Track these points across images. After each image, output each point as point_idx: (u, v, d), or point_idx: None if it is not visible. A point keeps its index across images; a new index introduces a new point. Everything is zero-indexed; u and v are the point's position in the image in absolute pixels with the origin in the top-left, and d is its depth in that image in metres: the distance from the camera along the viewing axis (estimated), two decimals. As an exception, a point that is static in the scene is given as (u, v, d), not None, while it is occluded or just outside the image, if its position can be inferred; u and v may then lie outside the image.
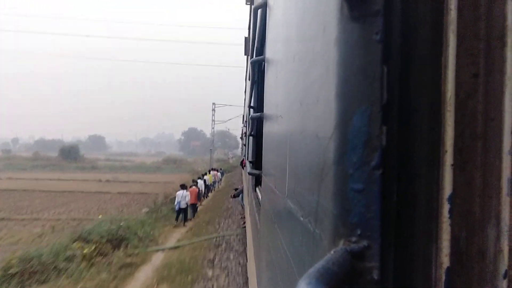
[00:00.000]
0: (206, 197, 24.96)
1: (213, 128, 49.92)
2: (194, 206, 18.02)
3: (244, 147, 12.52)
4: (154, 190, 28.45)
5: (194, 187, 18.63)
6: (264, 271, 1.77)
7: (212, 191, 29.78)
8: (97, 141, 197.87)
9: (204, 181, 24.24)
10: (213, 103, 48.23)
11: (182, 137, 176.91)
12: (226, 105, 47.79)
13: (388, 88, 0.49)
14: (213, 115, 48.36)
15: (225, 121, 47.60)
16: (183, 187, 17.28)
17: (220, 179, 35.31)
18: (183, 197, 16.39)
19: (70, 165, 68.65)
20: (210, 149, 51.26)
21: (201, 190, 21.95)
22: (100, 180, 42.08)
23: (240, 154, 50.34)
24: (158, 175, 52.28)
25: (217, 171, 34.49)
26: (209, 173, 30.19)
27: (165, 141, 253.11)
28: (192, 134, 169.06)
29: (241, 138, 20.99)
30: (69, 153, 77.02)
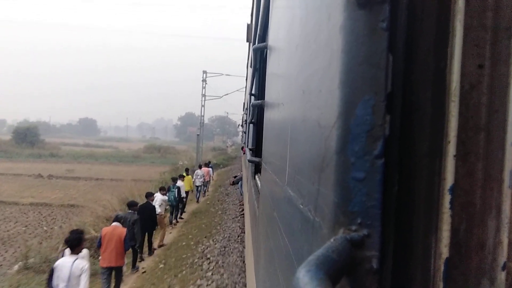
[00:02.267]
0: (176, 222, 14.39)
1: (203, 105, 33.80)
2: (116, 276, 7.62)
3: (244, 134, 12.51)
4: (101, 198, 17.17)
5: (115, 223, 7.71)
6: (262, 258, 1.79)
7: (204, 195, 20.04)
8: (88, 124, 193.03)
9: (178, 189, 13.80)
10: (204, 72, 33.76)
11: (179, 123, 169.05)
12: (222, 74, 34.79)
13: (393, 77, 0.48)
14: (204, 87, 33.43)
15: (220, 97, 34.72)
16: (72, 244, 5.62)
17: (211, 176, 22.90)
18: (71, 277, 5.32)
19: (24, 151, 54.32)
20: (197, 135, 33.87)
21: (159, 213, 11.16)
22: (39, 175, 30.41)
23: (240, 141, 47.66)
24: (132, 167, 41.60)
25: (207, 166, 22.73)
26: (189, 172, 18.16)
27: (163, 127, 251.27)
28: (189, 120, 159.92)
29: (242, 125, 20.59)
30: (25, 137, 61.58)
